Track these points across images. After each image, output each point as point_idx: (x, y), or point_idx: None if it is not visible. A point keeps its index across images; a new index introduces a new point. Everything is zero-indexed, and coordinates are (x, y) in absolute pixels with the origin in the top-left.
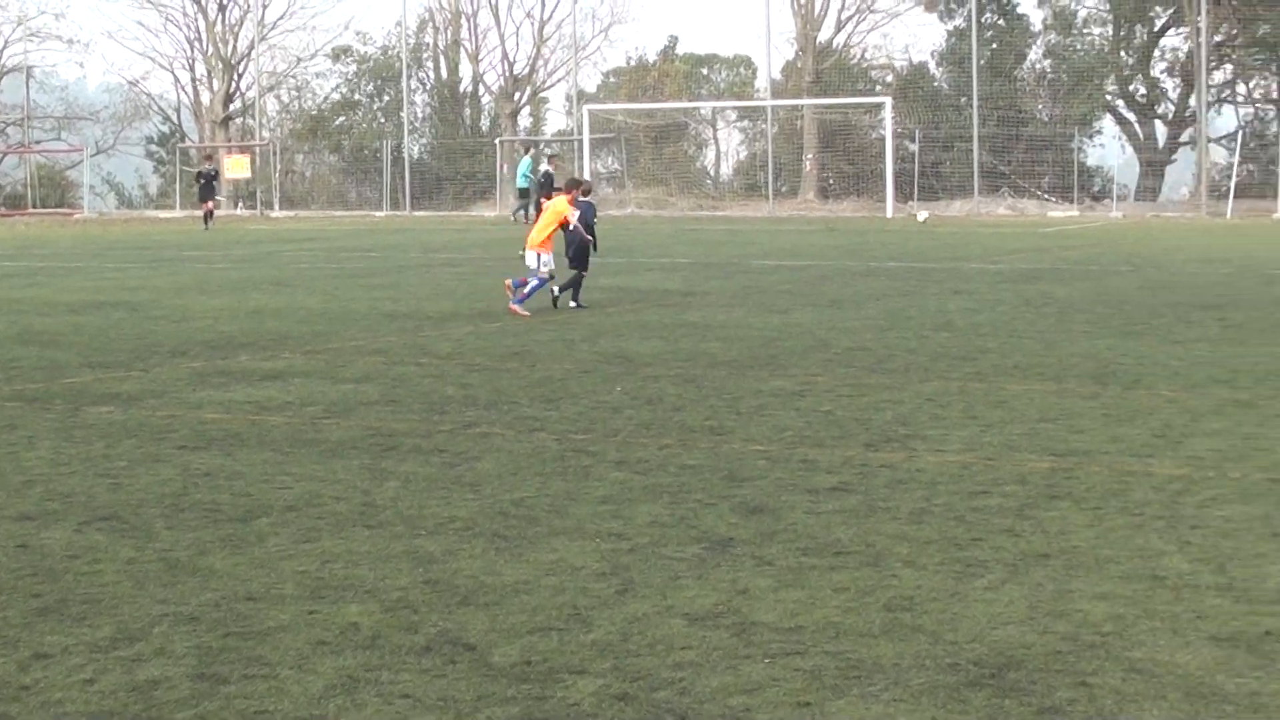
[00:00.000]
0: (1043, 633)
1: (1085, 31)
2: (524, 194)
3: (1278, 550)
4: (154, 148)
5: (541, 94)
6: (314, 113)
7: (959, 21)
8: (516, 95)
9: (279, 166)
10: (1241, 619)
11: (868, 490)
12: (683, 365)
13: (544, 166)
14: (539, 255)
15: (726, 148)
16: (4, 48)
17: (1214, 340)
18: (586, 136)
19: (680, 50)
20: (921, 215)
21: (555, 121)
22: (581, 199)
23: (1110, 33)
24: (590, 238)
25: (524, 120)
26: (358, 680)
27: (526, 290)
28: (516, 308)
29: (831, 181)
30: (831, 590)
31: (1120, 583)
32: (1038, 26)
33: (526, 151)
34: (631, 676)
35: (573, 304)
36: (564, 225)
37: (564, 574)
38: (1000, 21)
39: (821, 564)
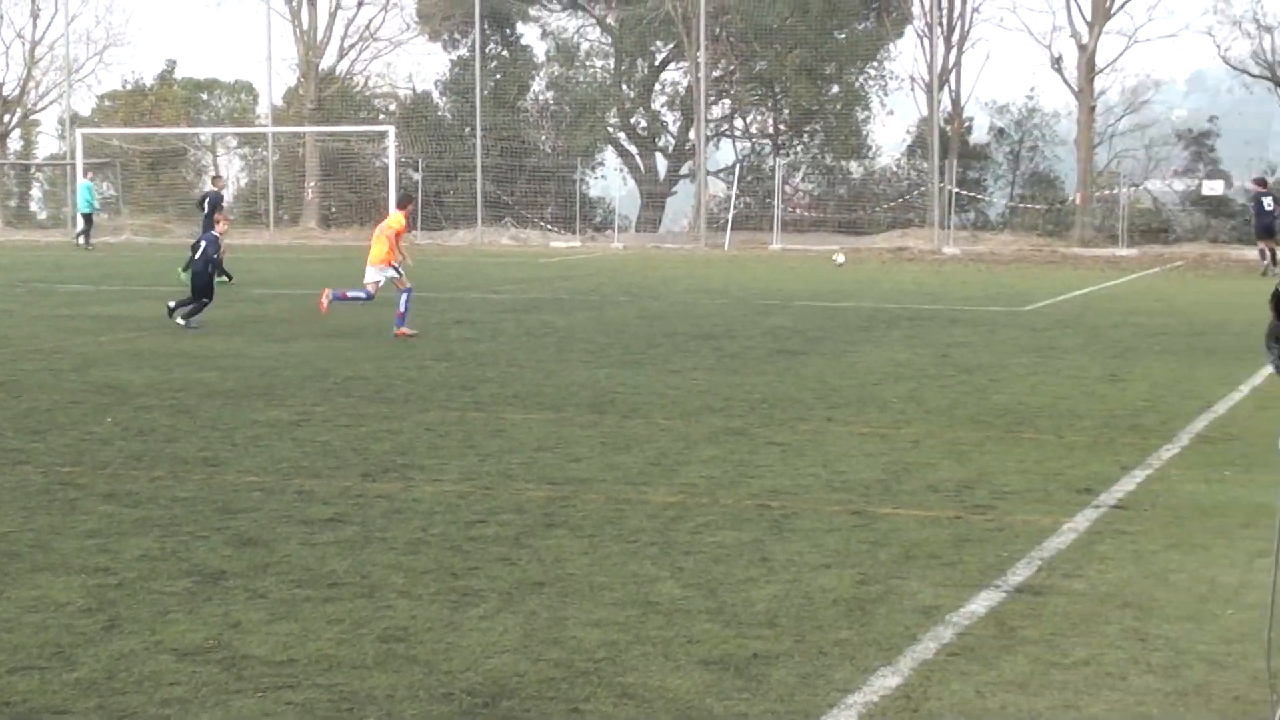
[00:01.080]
0: (536, 660)
1: (588, 64)
2: (88, 219)
3: (766, 574)
4: None
5: (33, 116)
6: None
7: (463, 51)
8: (6, 117)
9: None
10: (731, 642)
11: (364, 521)
12: (177, 395)
13: (209, 188)
14: (382, 270)
15: (227, 174)
16: None
17: (709, 369)
18: (80, 161)
19: (179, 75)
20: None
21: (47, 145)
22: (208, 235)
23: (612, 66)
24: (218, 271)
25: (14, 143)
26: None
27: (349, 296)
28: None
29: (334, 209)
30: (325, 622)
31: (614, 609)
32: (541, 58)
33: (86, 175)
34: (117, 715)
35: (180, 321)
36: (399, 235)
37: (47, 611)
38: (504, 52)
39: (316, 596)
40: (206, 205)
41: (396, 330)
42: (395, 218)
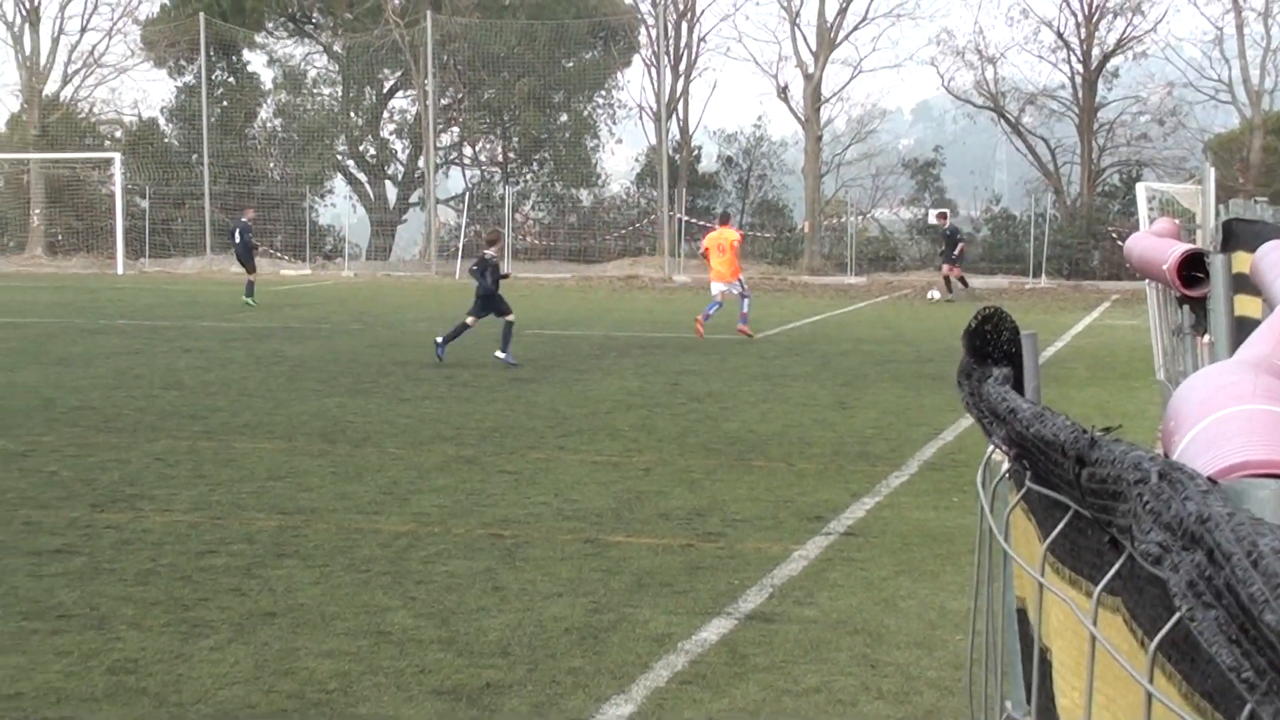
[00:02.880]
0: (268, 692)
1: (316, 91)
2: None
3: (499, 603)
4: None
5: None
6: None
7: (189, 78)
8: None
9: None
10: (464, 672)
11: (93, 552)
12: None
13: (245, 219)
14: (730, 284)
15: None
16: None
17: (441, 398)
18: None
19: None
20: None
21: None
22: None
23: (340, 93)
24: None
25: None
26: None
27: (710, 312)
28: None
29: (60, 238)
30: (53, 654)
31: (346, 639)
32: (268, 85)
33: None
34: None
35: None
36: (734, 248)
37: None
38: (231, 79)
39: (44, 628)
40: (239, 235)
41: (739, 328)
42: (728, 233)
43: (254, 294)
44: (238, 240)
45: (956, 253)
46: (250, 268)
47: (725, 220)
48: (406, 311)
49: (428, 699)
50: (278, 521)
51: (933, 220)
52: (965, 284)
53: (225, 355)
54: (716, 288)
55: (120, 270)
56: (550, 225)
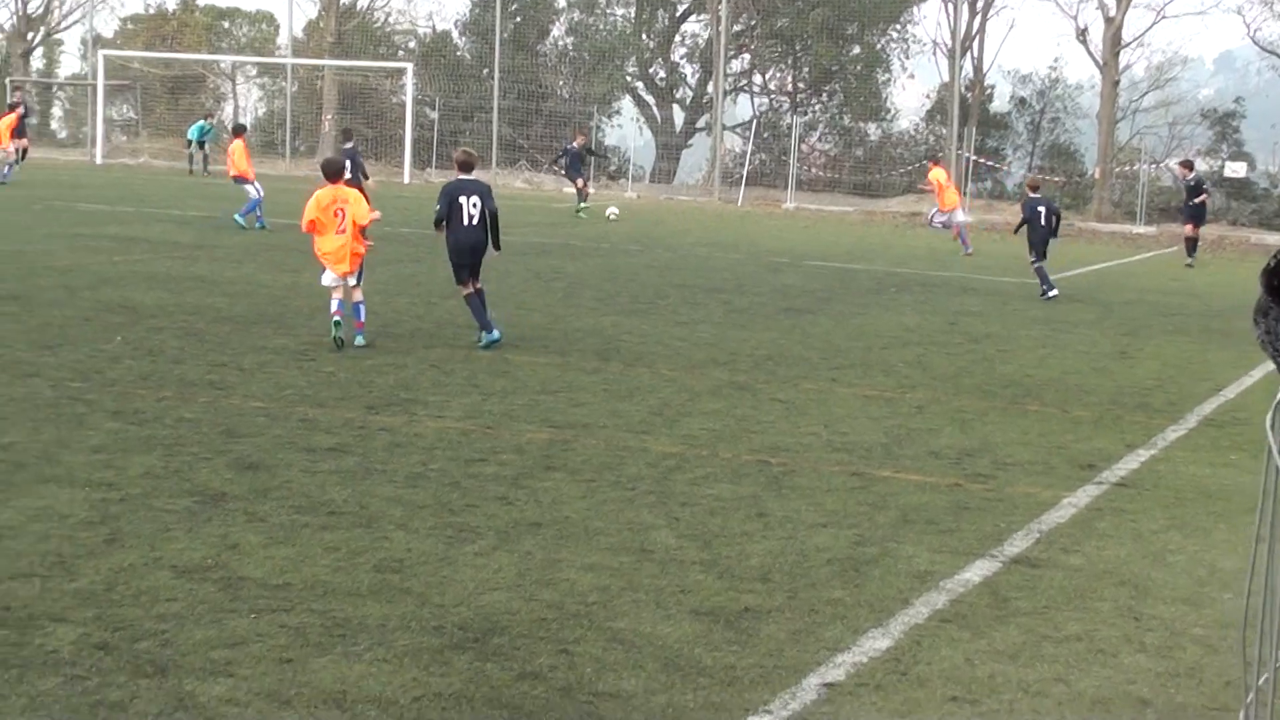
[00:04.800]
0: (529, 600)
1: (608, 12)
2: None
3: (762, 529)
4: None
5: (56, 35)
6: None
7: None
8: (30, 35)
9: None
10: (723, 594)
11: (365, 452)
12: (187, 318)
13: (574, 144)
14: (953, 214)
15: (245, 103)
16: None
17: (717, 323)
18: (101, 82)
19: (202, 1)
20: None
21: (69, 65)
22: (1032, 194)
23: (633, 15)
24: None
25: (37, 62)
26: None
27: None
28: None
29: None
30: (322, 549)
31: (608, 554)
32: (562, 3)
33: (206, 117)
34: (114, 626)
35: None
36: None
37: (50, 521)
38: None
39: (314, 523)
40: (570, 156)
41: (966, 253)
42: (934, 171)
43: (581, 205)
44: (564, 161)
45: (1198, 206)
46: (576, 182)
47: (934, 159)
48: (686, 235)
49: (686, 619)
50: (548, 435)
51: (1174, 169)
52: (1192, 249)
53: (504, 269)
54: (957, 215)
55: (406, 179)
56: (836, 158)
